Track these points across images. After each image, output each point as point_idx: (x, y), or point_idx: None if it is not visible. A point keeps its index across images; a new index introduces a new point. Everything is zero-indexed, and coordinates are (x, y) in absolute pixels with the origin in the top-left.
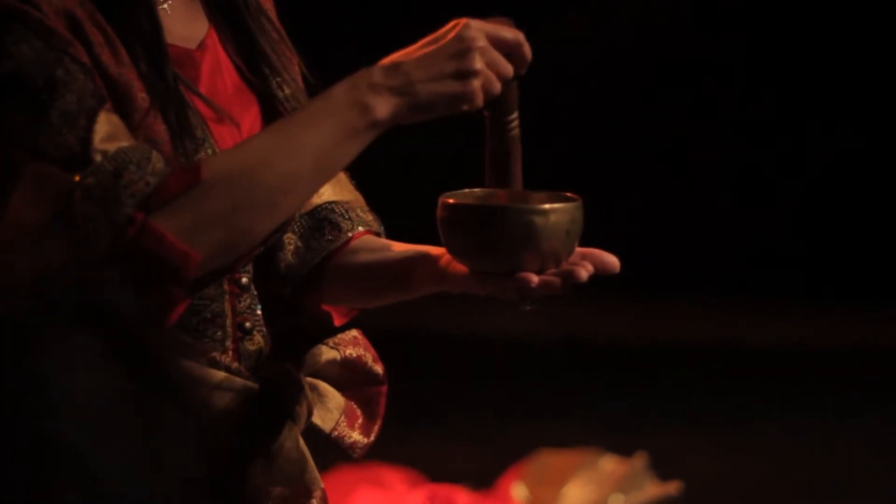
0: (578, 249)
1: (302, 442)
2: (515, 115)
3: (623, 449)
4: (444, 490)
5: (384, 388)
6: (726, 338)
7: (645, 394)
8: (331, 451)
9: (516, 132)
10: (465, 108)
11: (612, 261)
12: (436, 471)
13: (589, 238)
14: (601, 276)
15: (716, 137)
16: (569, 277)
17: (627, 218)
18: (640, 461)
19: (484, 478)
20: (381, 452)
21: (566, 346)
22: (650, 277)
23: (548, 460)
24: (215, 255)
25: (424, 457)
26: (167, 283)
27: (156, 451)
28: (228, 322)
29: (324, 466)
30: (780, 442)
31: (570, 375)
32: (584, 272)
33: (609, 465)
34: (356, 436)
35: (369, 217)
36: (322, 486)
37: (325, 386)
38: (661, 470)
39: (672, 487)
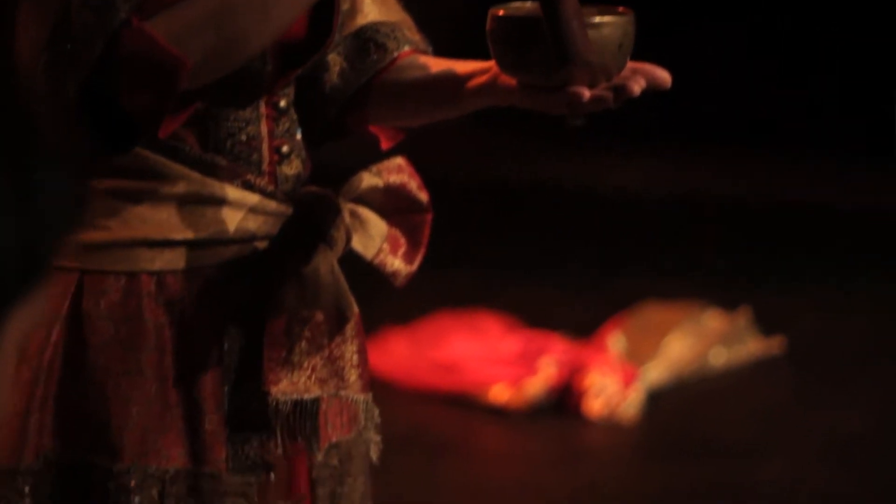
0: (630, 64)
1: (337, 267)
2: None
3: (727, 304)
4: (541, 337)
5: (429, 217)
6: (839, 198)
7: (753, 250)
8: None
9: None
10: None
11: (663, 75)
12: (535, 318)
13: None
14: (705, 127)
15: None
16: (621, 92)
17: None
18: (743, 316)
19: (584, 328)
20: (481, 297)
21: (677, 202)
22: (764, 135)
23: (650, 312)
24: (206, 62)
25: (526, 304)
26: (159, 88)
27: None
28: (265, 145)
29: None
30: (885, 303)
31: (680, 231)
32: (637, 87)
33: (712, 319)
34: (398, 264)
35: (416, 37)
36: (357, 311)
37: (366, 212)
38: (765, 326)
39: (775, 344)
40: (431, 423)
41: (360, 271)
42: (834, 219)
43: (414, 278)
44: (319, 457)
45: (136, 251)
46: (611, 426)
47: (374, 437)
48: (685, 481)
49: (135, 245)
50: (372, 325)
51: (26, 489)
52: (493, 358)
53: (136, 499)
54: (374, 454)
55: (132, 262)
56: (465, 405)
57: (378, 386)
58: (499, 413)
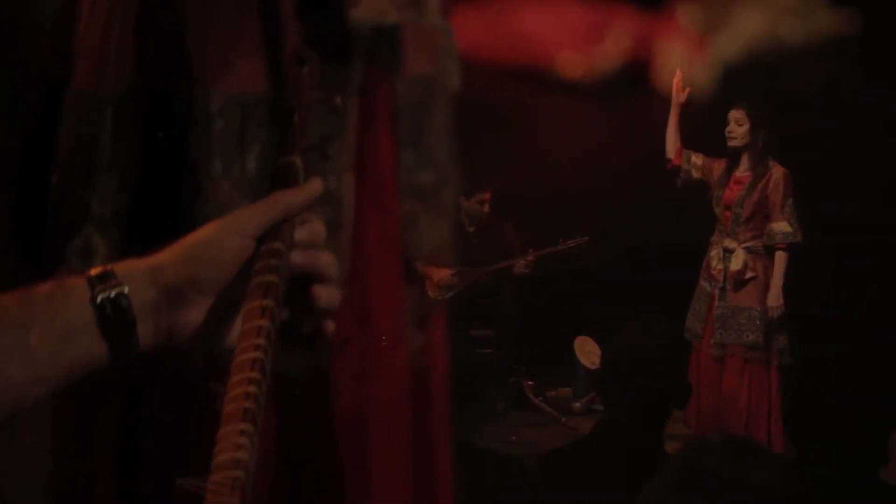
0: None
1: None
2: None
3: None
4: (610, 7)
5: None
6: None
7: None
8: None
9: None
10: None
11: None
12: None
13: None
14: None
15: None
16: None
17: None
18: None
19: (653, 3)
20: None
21: None
22: None
23: None
24: None
25: None
26: None
27: None
28: None
29: None
30: None
31: None
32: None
33: None
34: None
35: None
36: None
37: None
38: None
39: (847, 20)
40: (502, 98)
41: None
42: None
43: None
44: (400, 87)
45: None
46: (679, 99)
47: (454, 67)
48: None
49: None
50: None
51: (108, 114)
52: (562, 28)
53: (219, 123)
54: (453, 83)
55: None
56: (536, 79)
57: None
58: (569, 86)
